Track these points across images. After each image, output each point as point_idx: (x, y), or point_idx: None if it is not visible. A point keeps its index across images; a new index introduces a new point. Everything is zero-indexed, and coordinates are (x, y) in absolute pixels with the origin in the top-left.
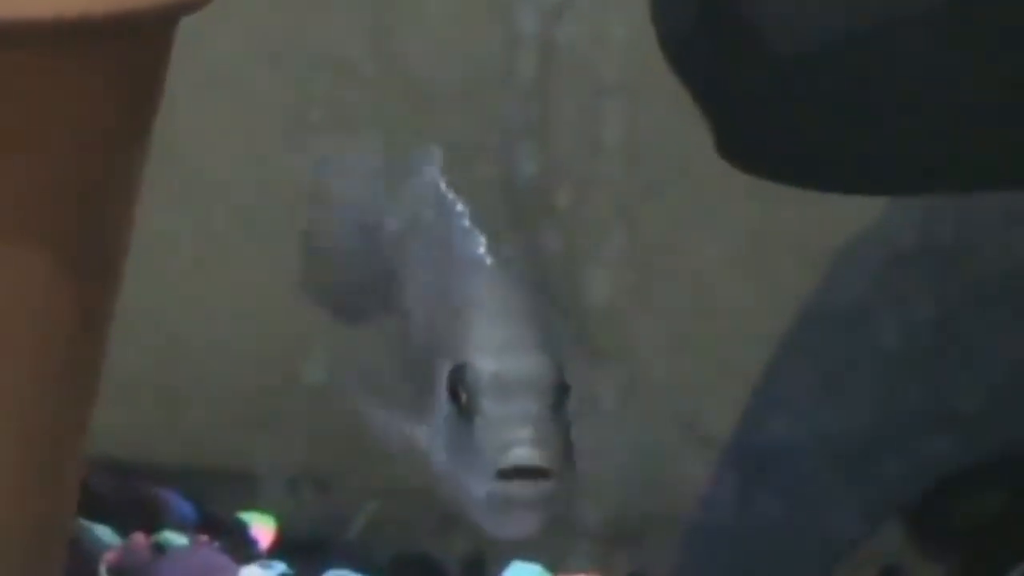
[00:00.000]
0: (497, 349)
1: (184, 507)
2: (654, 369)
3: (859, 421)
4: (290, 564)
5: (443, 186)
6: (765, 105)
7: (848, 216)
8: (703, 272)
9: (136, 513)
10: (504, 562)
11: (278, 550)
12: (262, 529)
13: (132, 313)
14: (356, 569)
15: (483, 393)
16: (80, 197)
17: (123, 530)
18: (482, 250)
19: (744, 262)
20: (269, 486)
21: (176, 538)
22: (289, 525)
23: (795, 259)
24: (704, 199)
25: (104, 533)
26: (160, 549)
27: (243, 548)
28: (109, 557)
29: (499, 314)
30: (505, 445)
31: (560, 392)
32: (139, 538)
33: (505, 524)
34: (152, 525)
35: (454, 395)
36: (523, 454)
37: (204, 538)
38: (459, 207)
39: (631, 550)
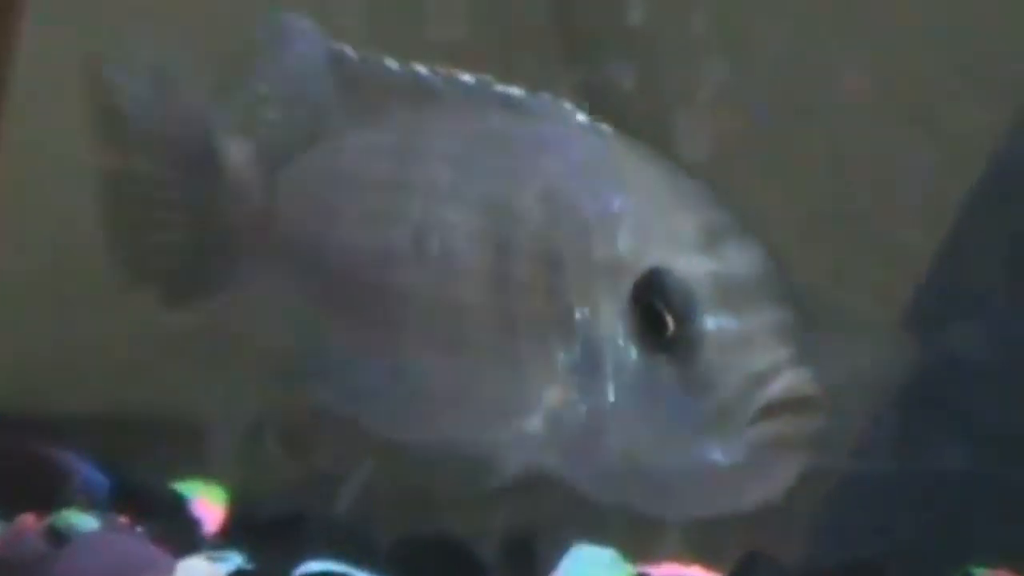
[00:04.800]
0: (701, 243)
1: (94, 475)
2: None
3: None
4: (250, 554)
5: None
6: None
7: None
8: (850, 112)
9: (25, 484)
10: (562, 545)
11: (232, 535)
12: (209, 505)
13: (16, 192)
14: (345, 559)
15: (705, 306)
16: None
17: (6, 509)
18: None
19: (905, 103)
20: (217, 444)
21: (82, 520)
22: (247, 499)
23: (980, 100)
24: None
25: None
26: (58, 536)
27: (181, 533)
28: None
29: (670, 195)
30: (761, 375)
31: (790, 290)
32: (28, 520)
33: (758, 484)
34: (47, 501)
35: (650, 322)
36: (791, 380)
37: (123, 519)
38: None
39: (744, 523)
